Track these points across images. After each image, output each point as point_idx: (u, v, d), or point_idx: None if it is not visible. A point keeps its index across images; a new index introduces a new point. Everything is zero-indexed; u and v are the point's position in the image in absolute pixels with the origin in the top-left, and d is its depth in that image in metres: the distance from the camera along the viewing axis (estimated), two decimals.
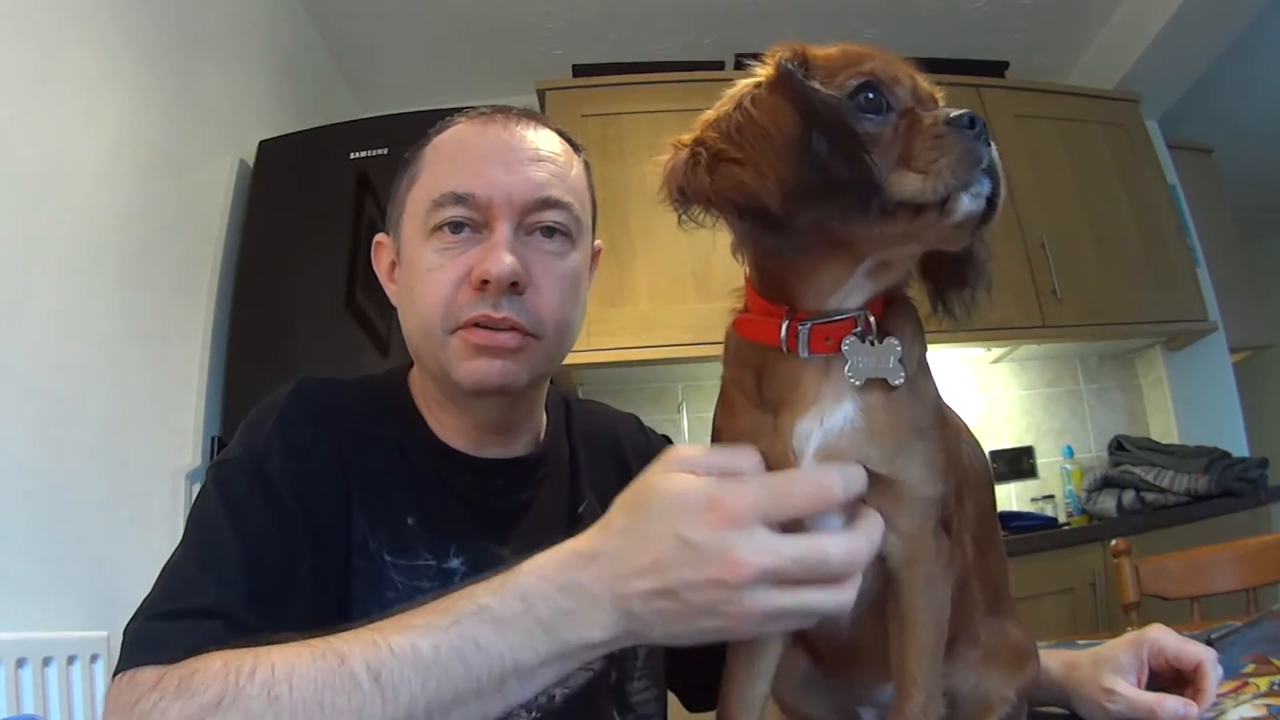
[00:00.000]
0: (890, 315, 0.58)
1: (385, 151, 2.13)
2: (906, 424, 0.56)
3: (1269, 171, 3.99)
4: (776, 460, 0.55)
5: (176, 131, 1.94)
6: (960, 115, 0.50)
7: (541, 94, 2.65)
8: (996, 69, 3.04)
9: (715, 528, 0.50)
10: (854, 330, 0.56)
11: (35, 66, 1.48)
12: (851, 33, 2.98)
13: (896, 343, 0.56)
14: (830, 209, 0.49)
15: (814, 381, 0.56)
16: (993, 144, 0.50)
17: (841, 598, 0.51)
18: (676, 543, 0.51)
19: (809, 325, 0.56)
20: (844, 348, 0.55)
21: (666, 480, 0.54)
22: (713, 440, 0.62)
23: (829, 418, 0.55)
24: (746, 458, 0.54)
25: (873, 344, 0.56)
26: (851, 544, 0.51)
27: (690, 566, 0.50)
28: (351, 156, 2.17)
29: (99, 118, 1.67)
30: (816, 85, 0.52)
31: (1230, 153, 3.54)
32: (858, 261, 0.55)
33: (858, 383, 0.55)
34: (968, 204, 0.49)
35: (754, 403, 0.59)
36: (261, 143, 2.27)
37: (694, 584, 0.51)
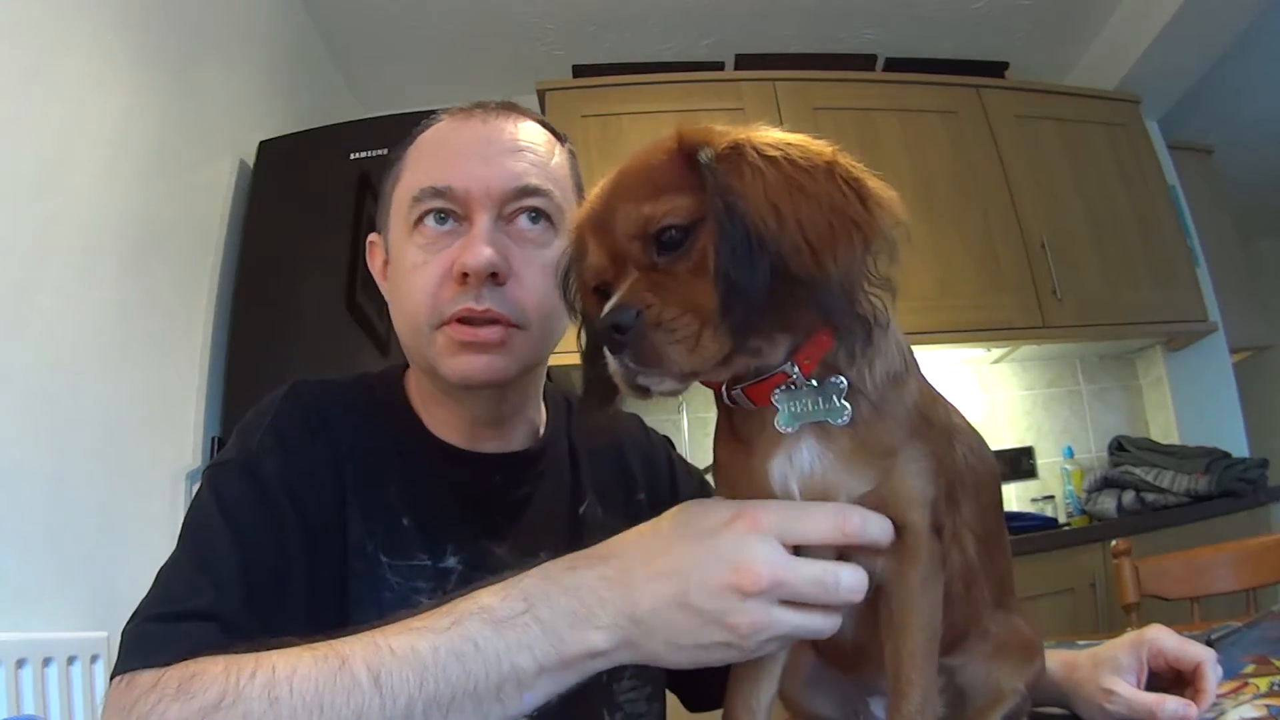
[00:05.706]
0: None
1: (385, 151, 2.09)
2: (876, 443, 0.56)
3: (1269, 171, 3.99)
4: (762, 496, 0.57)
5: (176, 131, 1.94)
6: (604, 317, 0.51)
7: (541, 94, 2.65)
8: (996, 69, 3.04)
9: (739, 532, 0.54)
10: (785, 382, 0.55)
11: (35, 66, 1.48)
12: (851, 33, 2.98)
13: (840, 380, 0.55)
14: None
15: (773, 422, 0.56)
16: (629, 324, 0.50)
17: (831, 623, 0.56)
18: (699, 545, 0.54)
19: (739, 389, 0.57)
20: (774, 401, 0.55)
21: (697, 502, 0.59)
22: (714, 467, 0.64)
23: (795, 455, 0.56)
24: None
25: (810, 386, 0.55)
26: (859, 576, 0.55)
27: (708, 569, 0.53)
28: (351, 156, 2.17)
29: (99, 118, 1.67)
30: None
31: (1230, 153, 3.54)
32: None
33: (791, 430, 0.55)
34: (647, 384, 0.52)
35: (732, 436, 0.61)
36: (261, 143, 2.27)
37: (708, 587, 0.53)
